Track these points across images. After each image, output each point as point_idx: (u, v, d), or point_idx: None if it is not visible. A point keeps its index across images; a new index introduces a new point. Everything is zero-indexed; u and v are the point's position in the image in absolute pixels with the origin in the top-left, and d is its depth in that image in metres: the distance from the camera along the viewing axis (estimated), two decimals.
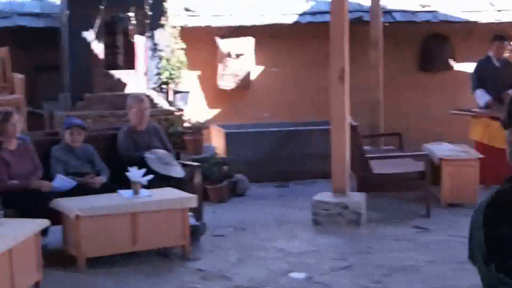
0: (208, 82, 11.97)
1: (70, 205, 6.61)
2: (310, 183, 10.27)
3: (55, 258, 6.70)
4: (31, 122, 9.62)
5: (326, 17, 10.88)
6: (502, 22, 12.12)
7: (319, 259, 6.83)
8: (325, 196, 8.14)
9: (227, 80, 11.88)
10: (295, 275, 6.37)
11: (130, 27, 10.71)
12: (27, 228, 5.86)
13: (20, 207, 6.61)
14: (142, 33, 10.66)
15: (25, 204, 6.66)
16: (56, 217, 6.62)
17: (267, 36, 12.05)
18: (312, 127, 10.89)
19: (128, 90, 10.61)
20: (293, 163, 10.59)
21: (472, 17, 12.14)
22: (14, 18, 11.05)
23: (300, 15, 11.93)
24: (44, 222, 6.09)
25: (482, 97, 9.67)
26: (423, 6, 12.25)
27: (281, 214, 8.65)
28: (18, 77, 10.05)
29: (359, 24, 11.41)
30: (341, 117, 8.03)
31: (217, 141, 10.83)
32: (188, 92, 10.83)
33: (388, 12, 11.98)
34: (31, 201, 6.69)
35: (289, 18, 11.89)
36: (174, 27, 10.84)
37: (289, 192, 9.98)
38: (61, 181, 7.03)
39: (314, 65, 12.16)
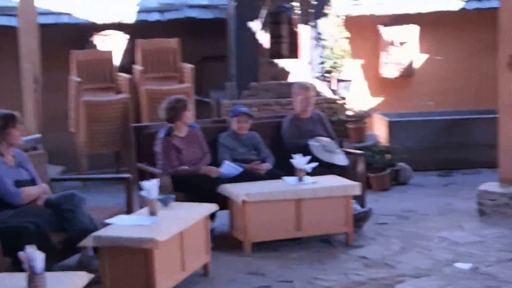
0: (371, 71, 11.97)
1: (237, 191, 6.82)
2: (474, 172, 10.09)
3: (222, 242, 6.94)
4: (198, 110, 9.97)
5: (494, 3, 10.62)
6: None
7: (485, 250, 6.72)
8: (492, 186, 7.97)
9: (390, 69, 11.84)
10: (460, 265, 6.30)
11: (295, 17, 10.85)
12: (197, 212, 6.11)
13: (190, 192, 6.89)
14: (306, 22, 10.78)
15: (195, 189, 6.93)
16: (223, 202, 6.85)
17: (432, 24, 11.89)
18: (477, 116, 10.67)
19: (291, 79, 10.77)
20: (457, 152, 10.42)
21: None
22: (184, 10, 11.47)
23: (467, 1, 11.69)
24: (212, 207, 6.31)
25: None
26: None
27: (445, 203, 8.56)
28: (187, 67, 10.43)
29: None
30: (509, 105, 7.83)
31: (379, 130, 10.81)
32: (350, 80, 10.87)
33: None
34: (200, 186, 6.95)
35: (455, 4, 11.68)
36: (338, 16, 10.89)
37: (453, 181, 9.84)
38: (229, 167, 7.26)
39: (480, 53, 11.90)
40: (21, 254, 3.93)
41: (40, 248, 4.00)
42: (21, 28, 9.43)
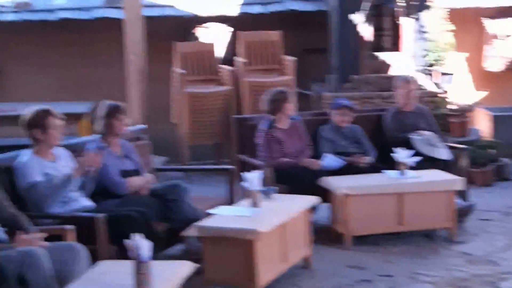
0: (474, 64, 11.72)
1: (339, 184, 6.80)
2: None
3: (323, 235, 6.93)
4: (299, 103, 9.97)
5: None
6: None
7: None
8: None
9: (494, 62, 11.58)
10: None
11: (397, 9, 10.74)
12: (298, 204, 6.12)
13: (291, 184, 6.91)
14: (409, 15, 10.65)
15: (296, 181, 6.94)
16: (324, 195, 6.84)
17: None
18: None
19: (393, 72, 10.67)
20: None
21: None
22: (286, 3, 11.50)
23: None
24: (314, 199, 6.32)
25: None
26: None
27: None
28: (289, 59, 10.45)
29: None
30: None
31: (482, 124, 10.58)
32: (452, 74, 10.69)
33: None
34: (301, 179, 6.96)
35: None
36: (441, 8, 10.72)
37: None
38: (330, 160, 7.24)
39: None
40: (128, 242, 4.02)
41: (145, 237, 4.08)
42: (126, 21, 9.63)
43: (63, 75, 12.14)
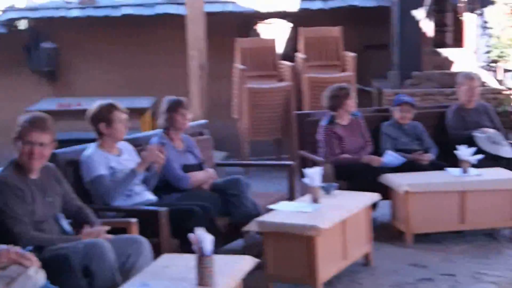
0: None
1: (400, 181, 6.75)
2: None
3: (383, 232, 6.90)
4: (360, 99, 9.94)
5: None
6: None
7: None
8: None
9: None
10: None
11: (460, 5, 10.61)
12: (359, 201, 6.09)
13: (351, 181, 6.89)
14: (472, 10, 10.52)
15: (356, 177, 6.92)
16: (385, 192, 6.80)
17: None
18: None
19: (455, 68, 10.55)
20: None
21: None
22: None
23: None
24: (375, 196, 6.29)
25: None
26: None
27: None
28: (350, 55, 10.41)
29: None
30: None
31: None
32: None
33: None
34: (361, 175, 6.94)
35: None
36: (505, 4, 10.56)
37: None
38: (391, 157, 7.20)
39: None
40: (191, 235, 4.06)
41: (206, 231, 4.11)
42: (188, 17, 9.71)
43: (126, 71, 12.30)
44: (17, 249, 3.57)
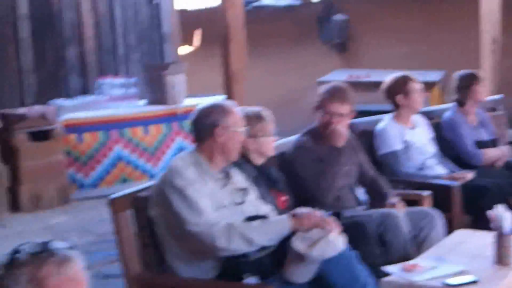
0: None
1: None
2: None
3: None
4: None
5: None
6: None
7: None
8: None
9: None
10: None
11: None
12: None
13: None
14: None
15: None
16: None
17: None
18: None
19: None
20: None
21: None
22: None
23: None
24: None
25: None
26: None
27: None
28: None
29: None
30: None
31: None
32: None
33: None
34: None
35: None
36: None
37: None
38: None
39: None
40: (489, 213, 3.98)
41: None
42: None
43: (415, 43, 12.21)
44: (320, 213, 3.70)
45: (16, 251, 2.09)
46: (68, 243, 2.16)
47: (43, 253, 2.08)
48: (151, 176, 8.43)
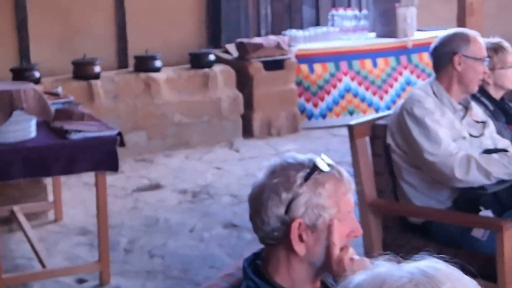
0: None
1: None
2: None
3: None
4: None
5: None
6: None
7: None
8: None
9: None
10: None
11: None
12: None
13: None
14: None
15: None
16: None
17: None
18: None
19: None
20: None
21: None
22: None
23: None
24: None
25: None
26: None
27: None
28: None
29: None
30: None
31: None
32: None
33: None
34: None
35: None
36: None
37: None
38: None
39: None
40: None
41: None
42: None
43: None
44: None
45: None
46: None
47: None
48: (377, 109, 8.48)
